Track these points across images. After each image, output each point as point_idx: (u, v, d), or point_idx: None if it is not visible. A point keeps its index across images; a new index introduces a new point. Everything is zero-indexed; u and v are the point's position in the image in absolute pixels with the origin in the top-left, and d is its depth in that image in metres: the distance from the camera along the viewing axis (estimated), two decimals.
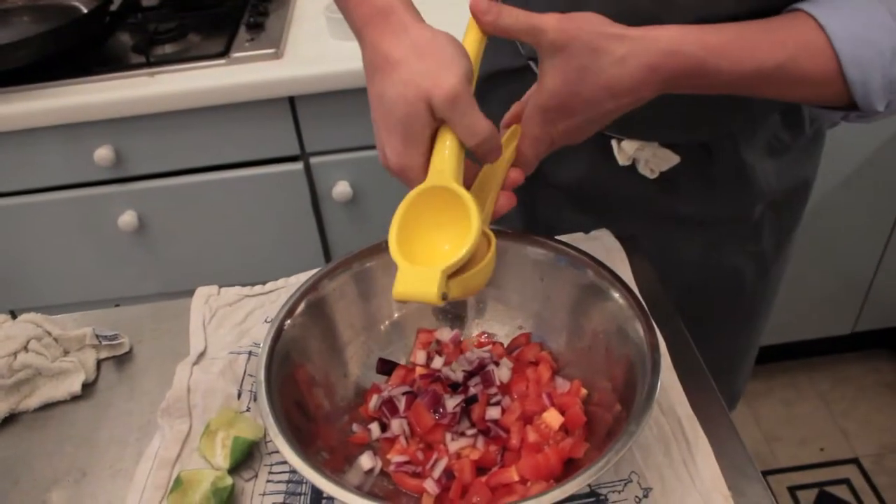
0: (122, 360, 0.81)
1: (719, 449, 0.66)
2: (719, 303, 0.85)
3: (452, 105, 0.57)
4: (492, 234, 0.63)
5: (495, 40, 0.93)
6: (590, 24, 0.61)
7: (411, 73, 0.58)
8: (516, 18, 0.61)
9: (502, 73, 0.91)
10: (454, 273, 0.58)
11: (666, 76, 0.62)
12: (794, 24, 0.63)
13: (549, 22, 0.60)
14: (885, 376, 2.05)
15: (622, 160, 0.84)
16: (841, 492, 1.80)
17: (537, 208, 0.95)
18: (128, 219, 1.46)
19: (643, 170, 0.85)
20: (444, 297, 0.57)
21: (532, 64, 0.86)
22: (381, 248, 0.73)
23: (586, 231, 0.87)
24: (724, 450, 0.66)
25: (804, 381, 2.06)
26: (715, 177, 0.86)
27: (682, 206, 0.86)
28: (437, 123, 0.59)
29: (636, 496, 0.63)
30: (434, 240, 0.60)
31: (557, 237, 0.74)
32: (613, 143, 0.85)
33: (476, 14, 0.62)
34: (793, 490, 1.82)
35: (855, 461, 1.86)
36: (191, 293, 0.86)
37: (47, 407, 0.76)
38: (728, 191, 0.87)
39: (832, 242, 1.75)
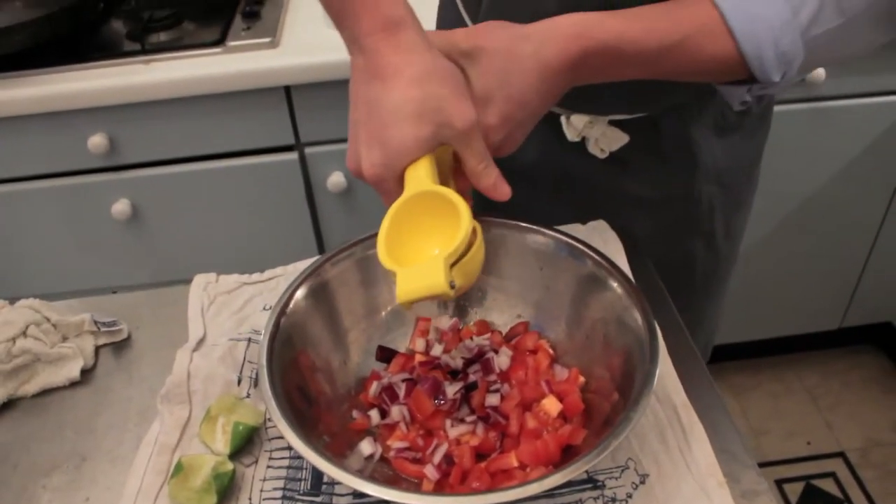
0: (121, 346, 0.81)
1: (714, 436, 0.67)
2: (671, 283, 0.87)
3: (470, 133, 0.60)
4: (475, 221, 0.63)
5: (449, 24, 0.94)
6: (495, 29, 0.65)
7: (428, 94, 0.59)
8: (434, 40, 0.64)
9: None
10: (453, 263, 0.59)
11: (575, 60, 0.64)
12: (690, 3, 0.67)
13: (458, 34, 0.64)
14: (871, 371, 2.07)
15: (571, 135, 0.85)
16: (827, 485, 1.82)
17: None
18: (121, 207, 1.45)
19: (593, 149, 0.87)
20: (452, 285, 0.57)
21: None
22: None
23: (542, 216, 0.88)
24: (720, 437, 0.68)
25: (791, 375, 2.08)
26: (664, 155, 0.88)
27: (632, 185, 0.88)
28: (435, 147, 0.60)
29: (633, 482, 0.64)
30: (422, 245, 0.61)
31: (557, 227, 0.75)
32: (563, 119, 0.86)
33: None
34: (780, 483, 1.83)
35: (841, 455, 1.88)
36: (185, 283, 0.86)
37: (46, 393, 0.76)
38: (677, 169, 0.89)
39: (820, 240, 1.76)
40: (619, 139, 0.86)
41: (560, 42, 0.64)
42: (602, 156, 0.87)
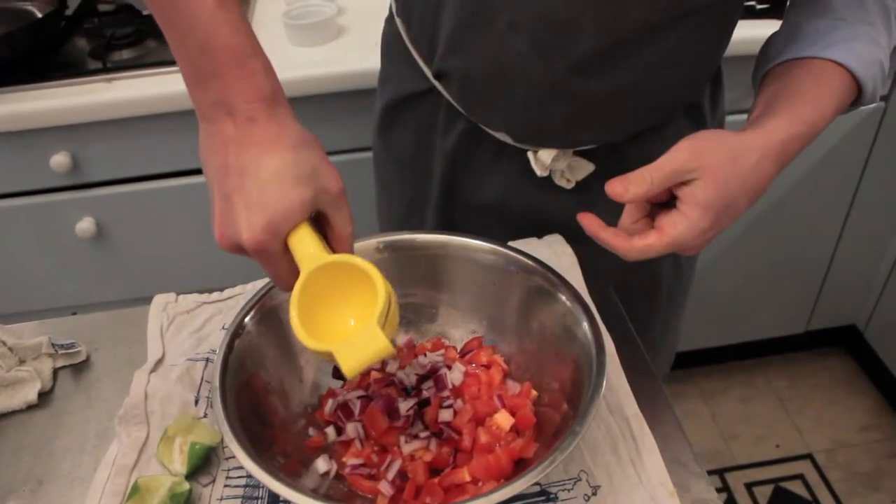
0: (79, 368, 0.81)
1: (666, 447, 0.68)
2: (638, 302, 0.88)
3: (342, 197, 0.61)
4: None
5: (398, 64, 0.94)
6: (712, 140, 0.68)
7: (305, 159, 0.59)
8: (649, 179, 0.66)
9: (410, 98, 0.93)
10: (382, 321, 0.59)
11: (788, 160, 0.70)
12: (827, 73, 0.74)
13: (679, 157, 0.66)
14: (837, 373, 2.10)
15: (539, 171, 0.87)
16: (796, 487, 1.84)
17: (457, 229, 0.97)
18: (85, 226, 1.44)
19: (559, 181, 0.88)
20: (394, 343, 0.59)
21: (437, 84, 0.88)
22: None
23: None
24: (671, 447, 0.69)
25: (761, 379, 2.10)
26: None
27: (599, 212, 0.90)
28: (313, 211, 0.60)
29: (585, 494, 0.65)
30: (335, 317, 0.61)
31: (510, 243, 0.76)
32: (530, 154, 0.87)
33: (617, 199, 0.67)
34: (749, 486, 1.86)
35: (809, 457, 1.91)
36: (150, 300, 0.86)
37: (3, 417, 0.76)
38: None
39: (784, 245, 1.78)
40: (585, 168, 0.87)
41: (777, 151, 0.69)
42: (568, 186, 0.89)
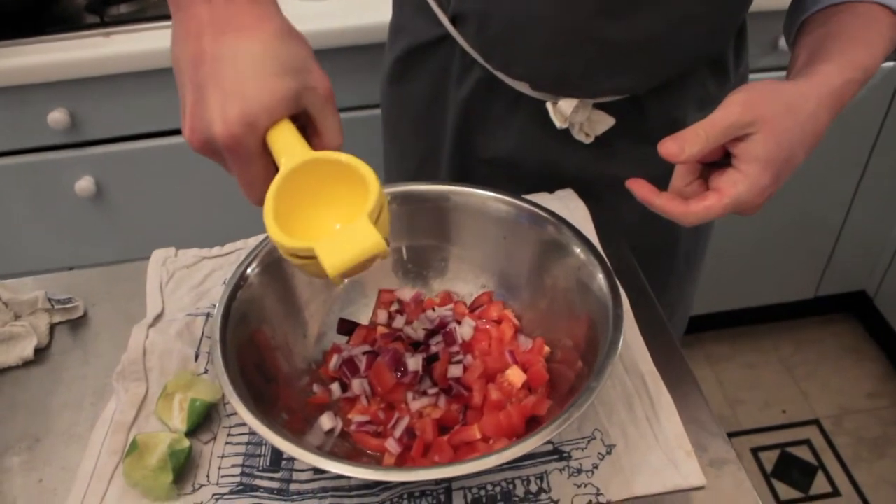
0: (76, 324, 0.79)
1: (683, 406, 0.66)
2: (654, 266, 0.86)
3: (330, 100, 0.55)
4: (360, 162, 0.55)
5: (411, 12, 0.91)
6: (765, 91, 0.64)
7: (291, 51, 0.54)
8: (704, 136, 0.62)
9: (424, 46, 0.90)
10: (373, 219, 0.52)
11: (842, 107, 0.67)
12: (874, 15, 0.71)
13: (733, 110, 0.62)
14: (845, 340, 2.08)
15: (559, 122, 0.83)
16: (802, 452, 1.84)
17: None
18: (85, 184, 1.42)
19: (577, 135, 0.85)
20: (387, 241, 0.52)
21: (452, 30, 0.85)
22: None
23: None
24: (688, 406, 0.67)
25: (768, 344, 2.09)
26: (649, 136, 0.86)
27: (618, 169, 0.87)
28: (294, 110, 0.55)
29: (599, 453, 0.63)
30: (317, 221, 0.55)
31: (521, 195, 0.73)
32: (549, 105, 0.84)
33: (672, 160, 0.62)
34: (755, 451, 1.85)
35: (815, 422, 1.90)
36: (145, 258, 0.84)
37: None
38: None
39: (796, 209, 1.76)
40: (606, 122, 0.84)
41: (833, 98, 0.66)
42: (587, 140, 0.85)
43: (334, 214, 0.54)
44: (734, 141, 0.63)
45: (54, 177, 1.43)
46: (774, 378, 2.01)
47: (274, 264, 0.69)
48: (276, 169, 0.54)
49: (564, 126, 0.84)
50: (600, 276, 0.63)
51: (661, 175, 0.90)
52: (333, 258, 0.50)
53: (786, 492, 1.77)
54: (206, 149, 0.55)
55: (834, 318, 2.12)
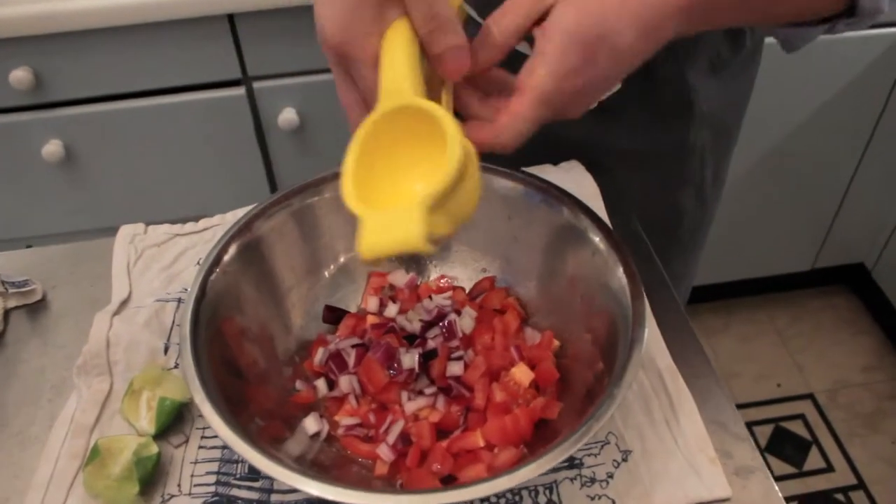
0: (34, 309, 0.72)
1: (704, 405, 0.60)
2: (658, 239, 0.80)
3: None
4: (468, 143, 0.48)
5: None
6: None
7: None
8: (511, 18, 0.52)
9: None
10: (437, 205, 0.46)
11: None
12: None
13: None
14: (841, 312, 2.06)
15: None
16: (796, 427, 1.82)
17: None
18: (52, 149, 1.33)
19: None
20: (431, 238, 0.45)
21: None
22: (326, 180, 0.64)
23: None
24: (709, 406, 0.61)
25: (763, 316, 2.06)
26: (657, 104, 0.81)
27: (623, 139, 0.80)
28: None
29: (614, 460, 0.57)
30: (402, 179, 0.48)
31: (526, 169, 0.66)
32: None
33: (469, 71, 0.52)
34: (749, 426, 1.81)
35: (810, 396, 1.87)
36: (110, 234, 0.77)
37: None
38: (671, 119, 0.83)
39: (796, 180, 1.72)
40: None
41: None
42: (592, 106, 0.79)
43: (420, 172, 0.48)
44: (535, 26, 0.52)
45: (20, 140, 1.34)
46: (769, 351, 1.98)
47: (254, 244, 0.62)
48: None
49: None
50: (621, 270, 0.56)
51: (668, 146, 0.85)
52: (369, 240, 0.46)
53: (780, 467, 1.75)
54: (329, 57, 0.51)
55: (830, 291, 2.10)
